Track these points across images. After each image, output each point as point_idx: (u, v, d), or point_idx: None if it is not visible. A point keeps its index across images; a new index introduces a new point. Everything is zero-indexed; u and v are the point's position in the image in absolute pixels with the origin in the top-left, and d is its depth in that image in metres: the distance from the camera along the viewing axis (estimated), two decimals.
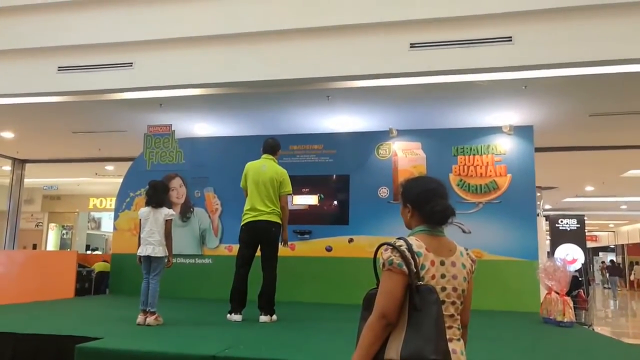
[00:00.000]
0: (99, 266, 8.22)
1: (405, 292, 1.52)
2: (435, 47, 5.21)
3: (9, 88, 6.21)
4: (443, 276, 1.58)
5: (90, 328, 3.70)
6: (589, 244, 16.96)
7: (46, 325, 3.90)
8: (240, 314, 4.45)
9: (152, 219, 4.32)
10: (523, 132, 6.42)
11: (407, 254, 1.53)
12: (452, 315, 1.58)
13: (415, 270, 1.53)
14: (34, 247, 13.78)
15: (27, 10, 6.06)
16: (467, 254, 1.70)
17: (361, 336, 1.52)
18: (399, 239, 1.60)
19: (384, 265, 1.56)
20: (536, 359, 2.99)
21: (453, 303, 1.58)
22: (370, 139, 6.78)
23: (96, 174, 11.96)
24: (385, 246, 1.59)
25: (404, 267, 1.52)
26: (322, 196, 6.75)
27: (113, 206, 7.89)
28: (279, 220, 4.61)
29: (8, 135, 8.40)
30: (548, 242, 12.89)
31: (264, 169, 4.66)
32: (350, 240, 6.51)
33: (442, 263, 1.59)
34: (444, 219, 1.67)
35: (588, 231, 16.57)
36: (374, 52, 5.35)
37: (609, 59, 4.85)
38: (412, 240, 1.60)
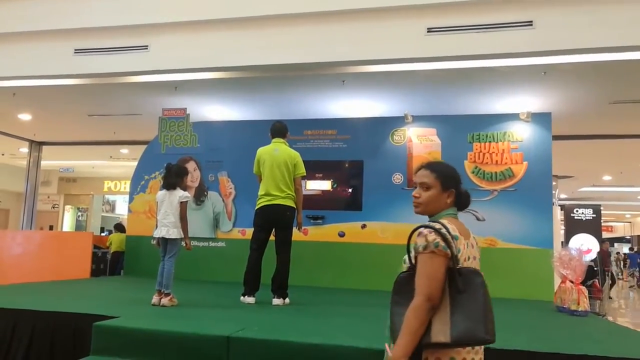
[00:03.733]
0: (114, 240, 8.29)
1: (446, 275, 1.53)
2: (453, 32, 5.12)
3: (27, 70, 6.26)
4: (468, 258, 1.61)
5: (106, 307, 3.76)
6: (605, 235, 16.74)
7: (64, 303, 3.97)
8: (254, 296, 4.49)
9: (167, 201, 4.36)
10: (541, 119, 6.32)
11: (449, 236, 1.55)
12: None
13: (455, 253, 1.55)
14: (50, 228, 14.01)
15: None
16: (474, 236, 1.75)
17: (405, 322, 1.50)
18: (434, 222, 1.62)
19: (425, 248, 1.55)
20: (550, 348, 2.97)
21: None
22: (385, 125, 6.73)
23: (111, 157, 12.08)
24: (424, 229, 1.59)
25: (448, 249, 1.53)
26: (336, 184, 6.73)
27: (127, 189, 7.97)
28: (293, 204, 4.61)
29: (26, 117, 8.50)
30: (562, 231, 12.78)
31: (276, 152, 4.66)
32: (363, 226, 6.50)
33: (467, 245, 1.63)
34: (468, 205, 1.75)
35: (604, 221, 16.36)
36: (390, 37, 5.28)
37: (631, 44, 4.73)
38: (447, 223, 1.61)
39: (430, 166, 1.77)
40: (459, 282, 1.50)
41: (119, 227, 8.90)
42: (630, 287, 19.35)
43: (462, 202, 1.73)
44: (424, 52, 5.22)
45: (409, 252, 1.65)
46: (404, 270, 1.64)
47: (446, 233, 1.56)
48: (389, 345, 1.58)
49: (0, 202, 14.85)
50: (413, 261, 1.60)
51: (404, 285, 1.60)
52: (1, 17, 6.20)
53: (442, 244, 1.53)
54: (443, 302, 1.51)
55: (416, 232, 1.60)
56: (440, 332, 1.48)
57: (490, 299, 1.51)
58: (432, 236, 1.56)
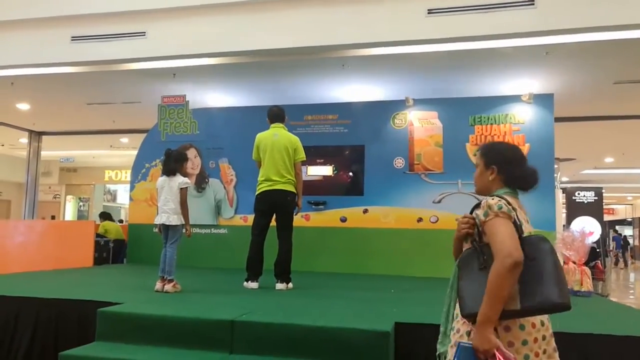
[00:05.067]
0: (112, 228, 8.31)
1: None
2: (454, 13, 5.06)
3: (25, 58, 6.22)
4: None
5: (110, 294, 3.76)
6: (606, 217, 16.72)
7: (68, 291, 3.97)
8: (257, 281, 4.49)
9: (167, 188, 4.34)
10: (543, 100, 6.26)
11: (511, 206, 1.58)
12: None
13: (519, 222, 1.57)
14: (52, 218, 14.03)
15: None
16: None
17: (488, 285, 1.48)
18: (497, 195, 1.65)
19: (487, 214, 1.57)
20: (555, 327, 2.97)
21: None
22: (386, 109, 6.68)
23: (111, 146, 12.04)
24: (489, 197, 1.63)
25: (513, 214, 1.56)
26: (336, 169, 6.71)
27: (128, 178, 7.95)
28: (293, 190, 4.60)
29: (24, 106, 8.45)
30: (564, 215, 12.76)
31: (276, 137, 4.63)
32: (365, 211, 6.49)
33: (527, 221, 1.67)
34: (535, 183, 1.73)
35: (605, 204, 16.32)
36: (390, 19, 5.22)
37: (634, 23, 4.66)
38: (506, 199, 1.63)
39: (481, 146, 1.84)
40: (527, 249, 1.50)
41: (107, 216, 8.91)
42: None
43: (517, 180, 1.71)
44: (425, 34, 5.16)
45: (477, 226, 1.64)
46: (471, 246, 1.64)
47: (507, 199, 1.59)
48: (446, 326, 1.63)
49: (2, 193, 14.86)
50: (478, 237, 1.60)
51: (468, 260, 1.61)
52: None
53: (505, 207, 1.56)
54: None
55: (479, 206, 1.63)
56: (512, 300, 1.48)
57: (560, 264, 1.52)
58: (494, 201, 1.58)
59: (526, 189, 1.72)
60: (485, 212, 1.57)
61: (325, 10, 5.37)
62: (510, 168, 1.71)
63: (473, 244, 1.62)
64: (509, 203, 1.59)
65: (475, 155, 1.89)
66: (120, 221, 11.68)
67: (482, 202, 1.62)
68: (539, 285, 1.45)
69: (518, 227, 1.55)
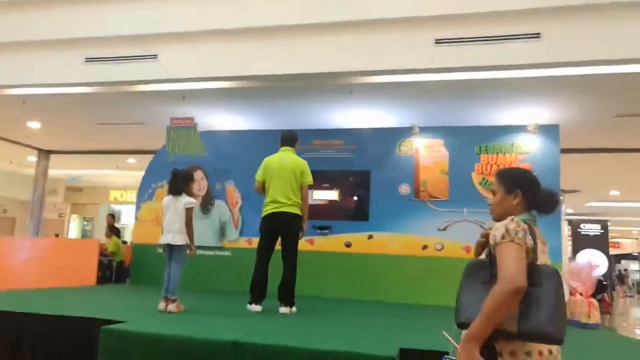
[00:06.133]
0: (118, 248, 8.33)
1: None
2: (461, 43, 5.16)
3: (38, 78, 6.34)
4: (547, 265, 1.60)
5: (113, 312, 3.74)
6: (612, 251, 16.56)
7: (71, 308, 3.96)
8: (261, 304, 4.46)
9: (173, 207, 4.35)
10: (548, 131, 6.31)
11: (527, 228, 1.58)
12: None
13: (535, 246, 1.55)
14: (56, 236, 14.04)
15: (55, 1, 6.16)
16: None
17: (486, 302, 1.48)
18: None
19: (504, 237, 1.55)
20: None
21: None
22: (392, 135, 6.73)
23: (117, 166, 12.14)
24: (512, 217, 1.61)
25: (529, 242, 1.54)
26: (342, 194, 6.72)
27: (133, 199, 7.98)
28: (299, 212, 4.61)
29: (35, 125, 8.57)
30: (570, 247, 12.65)
31: (284, 160, 4.67)
32: (370, 237, 6.47)
33: (544, 252, 1.63)
34: (556, 205, 1.72)
35: (611, 237, 16.20)
36: (398, 48, 5.32)
37: (636, 57, 4.74)
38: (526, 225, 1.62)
39: (497, 172, 1.83)
40: (534, 276, 1.49)
41: (117, 231, 8.93)
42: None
43: (539, 203, 1.71)
44: (432, 63, 5.25)
45: (490, 244, 1.63)
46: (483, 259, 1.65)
47: (525, 224, 1.58)
48: (445, 331, 1.61)
49: (7, 210, 14.91)
50: (492, 254, 1.60)
51: (474, 270, 1.61)
52: (13, 25, 6.29)
53: (521, 233, 1.54)
54: None
55: (494, 226, 1.62)
56: (509, 322, 1.48)
57: (564, 300, 1.51)
58: (512, 224, 1.57)
59: (548, 212, 1.72)
60: (502, 234, 1.57)
61: (333, 38, 5.48)
62: (534, 191, 1.72)
63: (488, 256, 1.62)
64: (531, 231, 1.58)
65: (481, 182, 1.87)
66: (124, 242, 11.67)
67: (506, 220, 1.61)
68: (539, 314, 1.45)
69: (534, 253, 1.54)
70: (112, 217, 9.23)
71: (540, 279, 1.50)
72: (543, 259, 1.59)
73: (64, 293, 5.38)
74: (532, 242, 1.55)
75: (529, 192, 1.71)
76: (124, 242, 11.26)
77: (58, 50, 6.25)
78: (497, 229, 1.59)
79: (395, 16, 5.28)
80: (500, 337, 1.50)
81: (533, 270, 1.51)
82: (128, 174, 12.73)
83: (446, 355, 1.55)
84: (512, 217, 1.61)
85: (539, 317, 1.45)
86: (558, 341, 1.48)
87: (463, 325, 1.55)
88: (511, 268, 1.48)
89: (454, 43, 5.15)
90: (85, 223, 16.51)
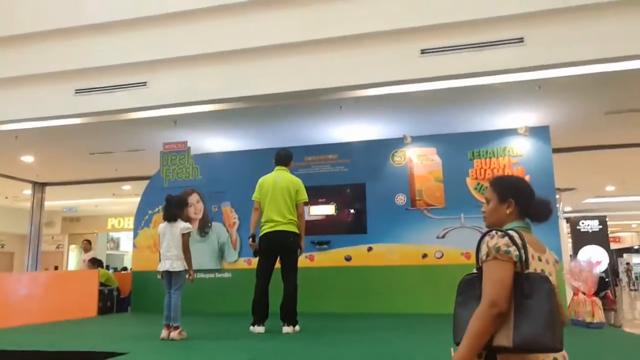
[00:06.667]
0: (109, 277, 8.23)
1: (512, 280, 1.51)
2: (446, 52, 5.22)
3: (29, 113, 6.37)
4: (542, 272, 1.57)
5: (115, 344, 3.71)
6: (612, 245, 16.57)
7: (72, 342, 3.93)
8: (263, 325, 4.43)
9: (169, 234, 4.34)
10: (539, 132, 6.35)
11: (518, 241, 1.55)
12: None
13: (525, 256, 1.53)
14: (56, 268, 13.95)
15: (41, 36, 6.20)
16: (551, 252, 1.70)
17: (469, 325, 1.49)
18: (500, 230, 1.60)
19: (488, 254, 1.55)
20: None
21: None
22: (385, 147, 6.76)
23: (113, 194, 12.13)
24: (492, 233, 1.59)
25: (513, 253, 1.52)
26: (338, 208, 6.73)
27: (131, 226, 7.96)
28: (296, 230, 4.61)
29: (28, 159, 8.58)
30: (570, 245, 12.64)
31: (278, 179, 4.68)
32: (370, 249, 6.47)
33: (540, 259, 1.60)
34: (550, 214, 1.70)
35: (610, 232, 16.21)
36: (384, 60, 5.38)
37: (621, 55, 4.80)
38: (515, 233, 1.59)
39: (491, 180, 1.82)
40: (525, 286, 1.48)
41: (100, 263, 8.76)
42: None
43: (532, 213, 1.70)
44: (419, 73, 5.30)
45: (477, 259, 1.63)
46: (474, 272, 1.63)
47: (510, 235, 1.55)
48: (453, 348, 1.58)
49: (5, 245, 14.83)
50: (480, 267, 1.59)
51: (468, 287, 1.60)
52: (1, 62, 6.33)
53: (503, 248, 1.53)
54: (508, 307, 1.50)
55: (482, 241, 1.60)
56: (503, 336, 1.47)
57: (558, 306, 1.50)
58: (493, 241, 1.56)
59: (542, 220, 1.71)
60: (486, 252, 1.57)
61: (320, 55, 5.54)
62: (527, 200, 1.71)
63: (477, 271, 1.60)
64: (521, 237, 1.57)
65: (476, 187, 1.85)
66: (124, 269, 11.60)
67: (485, 237, 1.60)
68: (532, 325, 1.44)
69: (523, 263, 1.52)
70: (89, 242, 9.28)
71: (532, 288, 1.48)
72: (535, 265, 1.57)
73: (66, 326, 5.33)
74: (517, 252, 1.53)
75: (523, 201, 1.70)
76: (124, 269, 11.19)
77: (48, 83, 6.29)
78: (483, 247, 1.59)
79: (380, 29, 5.34)
80: (498, 352, 1.50)
81: (524, 280, 1.50)
82: (125, 201, 12.72)
83: None
84: (492, 232, 1.59)
85: (532, 327, 1.44)
86: (555, 349, 1.47)
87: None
88: (494, 289, 1.49)
89: (439, 53, 5.21)
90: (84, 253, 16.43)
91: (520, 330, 1.45)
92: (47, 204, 10.95)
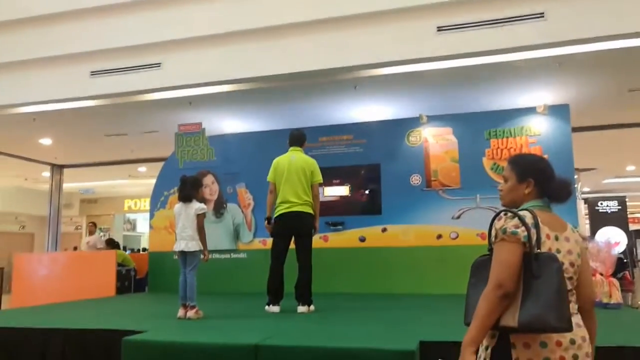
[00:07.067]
0: (125, 257, 8.46)
1: (521, 261, 1.50)
2: (464, 29, 5.09)
3: (46, 95, 6.41)
4: (558, 251, 1.55)
5: (134, 323, 3.78)
6: (632, 227, 16.32)
7: (92, 321, 4.01)
8: (279, 305, 4.47)
9: (184, 214, 4.38)
10: (558, 111, 6.21)
11: (530, 221, 1.53)
12: (570, 290, 1.56)
13: (535, 237, 1.51)
14: (75, 249, 14.22)
15: (56, 18, 6.21)
16: (577, 231, 1.67)
17: (477, 307, 1.49)
18: (510, 211, 1.59)
19: (496, 236, 1.55)
20: None
21: (570, 278, 1.57)
22: (400, 127, 6.69)
23: (130, 175, 12.24)
24: (500, 215, 1.58)
25: (521, 234, 1.51)
26: (352, 189, 6.71)
27: (147, 207, 8.04)
28: (311, 211, 4.61)
29: (47, 141, 8.69)
30: (588, 225, 12.49)
31: (293, 159, 4.66)
32: (384, 230, 6.45)
33: (557, 238, 1.58)
34: (569, 195, 1.67)
35: (630, 213, 15.94)
36: (400, 38, 5.27)
37: None
38: (526, 213, 1.58)
39: (510, 158, 1.78)
40: (534, 267, 1.47)
41: (116, 244, 9.03)
42: None
43: (552, 193, 1.66)
44: (435, 51, 5.19)
45: (489, 240, 1.62)
46: (487, 254, 1.63)
47: (524, 218, 1.53)
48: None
49: (25, 226, 15.15)
50: (491, 248, 1.59)
51: (480, 268, 1.60)
52: (19, 45, 6.36)
53: (510, 229, 1.52)
54: (517, 287, 1.49)
55: (493, 223, 1.60)
56: (509, 316, 1.46)
57: (566, 285, 1.49)
58: (500, 223, 1.56)
59: (561, 201, 1.67)
60: (495, 233, 1.56)
61: (335, 33, 5.45)
62: (547, 181, 1.67)
63: (489, 252, 1.60)
64: (534, 217, 1.54)
65: (493, 167, 1.82)
66: (144, 249, 11.80)
67: (500, 215, 1.58)
68: (538, 305, 1.43)
69: (532, 244, 1.50)
70: (94, 225, 9.65)
71: (540, 268, 1.47)
72: (550, 245, 1.54)
73: (85, 306, 5.45)
74: (526, 233, 1.50)
75: (542, 182, 1.66)
76: (144, 250, 11.37)
77: (64, 66, 6.31)
78: (492, 228, 1.59)
79: (396, 7, 5.22)
80: (506, 332, 1.49)
81: (533, 260, 1.48)
82: (141, 182, 12.85)
83: None
84: (501, 214, 1.58)
85: (537, 307, 1.43)
86: (562, 329, 1.44)
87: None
88: (501, 271, 1.48)
89: (456, 29, 5.08)
90: (102, 234, 16.70)
91: (525, 311, 1.44)
92: (65, 185, 11.12)
